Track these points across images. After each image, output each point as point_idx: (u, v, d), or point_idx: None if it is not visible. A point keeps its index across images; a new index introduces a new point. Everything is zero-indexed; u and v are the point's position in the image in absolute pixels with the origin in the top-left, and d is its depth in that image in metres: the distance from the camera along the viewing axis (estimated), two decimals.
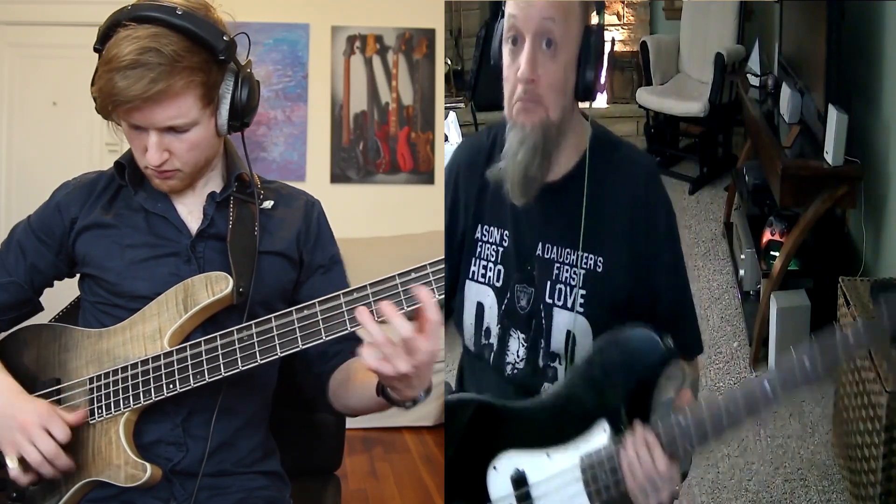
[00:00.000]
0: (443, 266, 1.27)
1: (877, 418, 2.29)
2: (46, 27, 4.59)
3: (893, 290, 2.58)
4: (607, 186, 1.40)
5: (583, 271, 1.41)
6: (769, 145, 3.47)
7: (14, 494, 1.36)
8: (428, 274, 1.25)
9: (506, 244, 1.46)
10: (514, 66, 1.33)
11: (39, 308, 1.52)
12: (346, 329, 1.26)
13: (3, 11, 4.55)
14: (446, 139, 4.23)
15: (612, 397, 1.33)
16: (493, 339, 1.47)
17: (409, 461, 3.60)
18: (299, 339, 1.28)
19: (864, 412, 2.41)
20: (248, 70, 1.40)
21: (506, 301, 1.45)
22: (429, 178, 4.83)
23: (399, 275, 1.25)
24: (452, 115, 4.33)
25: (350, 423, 1.85)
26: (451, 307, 1.53)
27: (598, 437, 1.33)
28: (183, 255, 1.42)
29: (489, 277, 1.47)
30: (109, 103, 1.29)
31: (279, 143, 4.73)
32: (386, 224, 4.63)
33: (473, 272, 1.49)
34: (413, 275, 1.25)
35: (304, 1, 4.71)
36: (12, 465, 1.30)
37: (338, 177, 4.80)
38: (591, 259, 1.41)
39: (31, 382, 1.40)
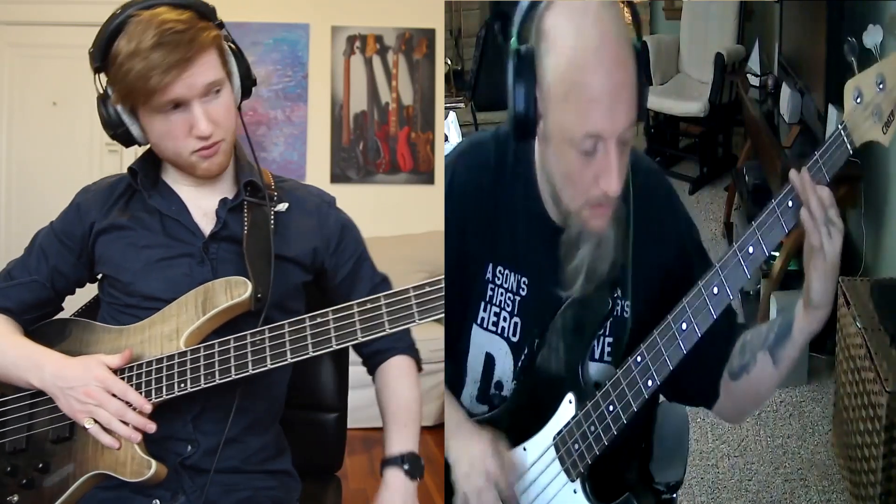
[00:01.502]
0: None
1: (877, 418, 2.29)
2: (46, 27, 4.59)
3: (893, 290, 2.59)
4: (634, 219, 1.29)
5: (610, 318, 1.33)
6: (769, 145, 3.48)
7: (24, 482, 1.38)
8: (442, 288, 1.26)
9: (524, 293, 1.36)
10: (591, 174, 1.18)
11: (60, 309, 1.54)
12: (357, 339, 1.29)
13: (3, 11, 4.55)
14: (446, 139, 4.23)
15: (570, 367, 1.32)
16: (507, 393, 1.41)
17: None
18: (310, 346, 1.30)
19: (864, 412, 2.41)
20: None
21: (523, 357, 1.38)
22: (429, 178, 4.83)
23: (413, 288, 1.26)
24: (452, 115, 4.32)
25: (351, 423, 1.85)
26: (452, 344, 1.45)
27: (566, 411, 1.32)
28: (196, 256, 1.43)
29: (503, 328, 1.38)
30: (151, 84, 1.29)
31: (279, 143, 4.73)
32: (386, 224, 4.63)
33: (483, 319, 1.39)
34: (428, 288, 1.27)
35: (304, 1, 4.71)
36: (90, 425, 1.33)
37: (338, 177, 4.80)
38: (618, 304, 1.34)
39: None
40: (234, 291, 1.38)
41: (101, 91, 1.38)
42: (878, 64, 1.09)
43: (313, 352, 1.30)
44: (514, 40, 1.18)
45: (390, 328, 1.28)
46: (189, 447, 1.40)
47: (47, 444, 1.40)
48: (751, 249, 1.16)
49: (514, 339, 1.37)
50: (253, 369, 1.32)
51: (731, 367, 1.30)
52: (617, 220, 1.24)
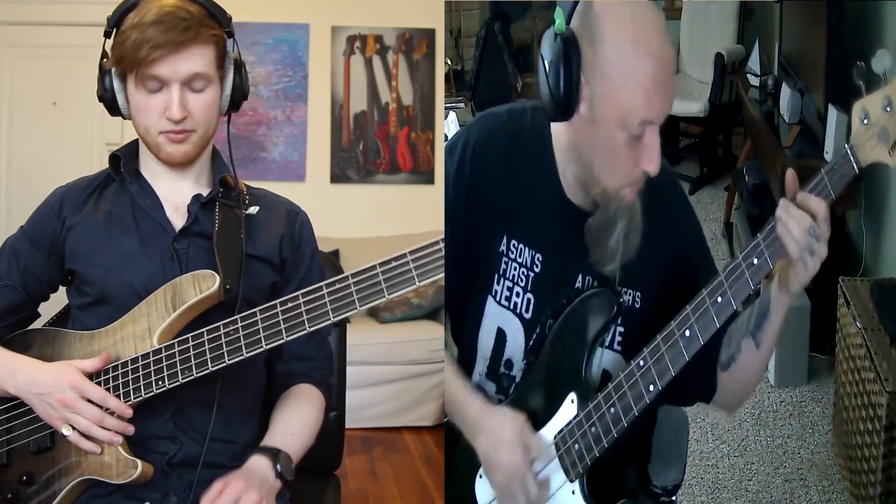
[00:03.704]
0: (429, 252, 1.23)
1: (877, 418, 2.29)
2: (46, 27, 4.59)
3: (893, 290, 2.59)
4: (647, 213, 1.30)
5: (622, 308, 1.33)
6: (769, 145, 3.48)
7: (9, 495, 1.37)
8: (408, 262, 1.25)
9: (537, 269, 1.35)
10: (635, 156, 1.21)
11: (36, 315, 1.53)
12: (330, 319, 1.28)
13: (3, 11, 4.55)
14: (446, 139, 4.23)
15: (573, 366, 1.32)
16: (517, 373, 1.40)
17: (409, 461, 3.60)
18: (283, 331, 1.30)
19: (864, 412, 2.41)
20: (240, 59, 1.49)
21: (535, 336, 1.37)
22: (429, 178, 4.83)
23: (380, 264, 1.26)
24: (452, 115, 4.33)
25: (350, 423, 1.85)
26: (454, 317, 1.44)
27: (568, 410, 1.32)
28: (166, 252, 1.44)
29: (515, 304, 1.37)
30: (141, 55, 1.34)
31: (279, 143, 4.73)
32: (386, 224, 4.63)
33: (496, 291, 1.38)
34: (393, 263, 1.26)
35: (304, 1, 4.71)
36: (68, 432, 1.34)
37: (338, 177, 4.80)
38: (629, 294, 1.34)
39: None
40: (202, 285, 1.38)
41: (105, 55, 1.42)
42: (885, 87, 1.12)
43: (287, 336, 1.30)
44: (560, 23, 1.20)
45: (389, 294, 1.26)
46: (172, 444, 1.40)
47: (29, 456, 1.39)
48: (755, 261, 1.19)
49: (527, 316, 1.37)
50: (230, 359, 1.31)
51: (720, 359, 1.33)
52: (639, 192, 1.28)
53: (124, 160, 1.48)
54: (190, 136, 1.42)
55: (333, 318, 1.28)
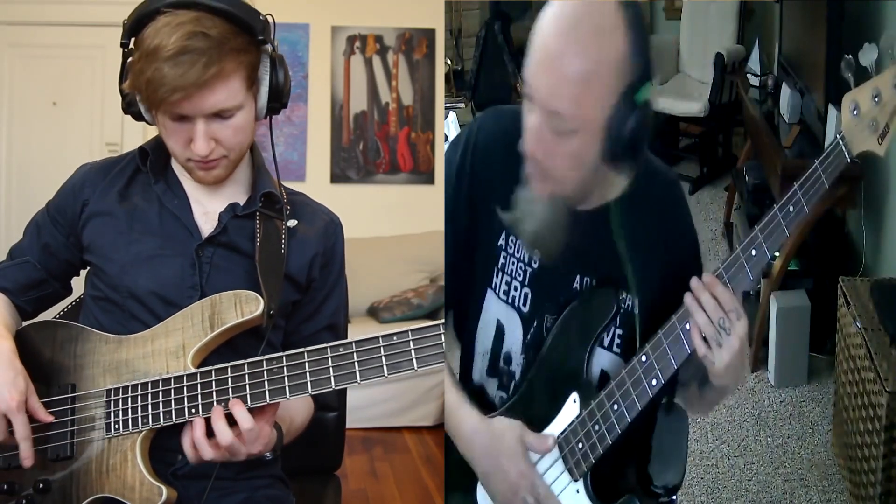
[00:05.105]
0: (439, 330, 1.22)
1: (877, 418, 2.29)
2: (46, 27, 4.60)
3: (893, 290, 2.59)
4: (643, 218, 1.30)
5: (621, 310, 1.34)
6: (769, 145, 3.48)
7: (24, 501, 1.32)
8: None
9: (535, 266, 1.35)
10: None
11: (65, 292, 1.49)
12: (384, 375, 1.21)
13: (3, 11, 4.55)
14: (446, 139, 4.23)
15: (574, 366, 1.32)
16: (515, 368, 1.40)
17: (409, 461, 3.60)
18: (332, 378, 1.23)
19: (864, 412, 2.41)
20: (278, 52, 1.38)
21: (532, 331, 1.37)
22: (429, 178, 4.83)
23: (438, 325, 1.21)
24: (452, 115, 4.33)
25: (350, 423, 1.85)
26: (457, 312, 1.43)
27: (571, 410, 1.32)
28: (188, 258, 1.37)
29: (514, 298, 1.37)
30: (158, 95, 1.23)
31: (279, 143, 4.73)
32: (386, 224, 4.63)
33: (496, 284, 1.38)
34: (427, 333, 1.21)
35: (304, 1, 4.71)
36: None
37: (338, 177, 4.80)
38: (628, 299, 1.34)
39: (45, 385, 1.35)
40: (244, 308, 1.31)
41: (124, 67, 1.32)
42: (873, 79, 1.14)
43: (336, 385, 1.23)
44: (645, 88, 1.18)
45: (419, 367, 1.21)
46: (180, 457, 1.34)
47: (46, 462, 1.32)
48: (753, 252, 1.20)
49: (525, 310, 1.37)
50: (271, 399, 1.25)
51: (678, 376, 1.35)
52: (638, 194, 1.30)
53: (153, 156, 1.40)
54: (220, 162, 1.34)
55: (388, 374, 1.22)
